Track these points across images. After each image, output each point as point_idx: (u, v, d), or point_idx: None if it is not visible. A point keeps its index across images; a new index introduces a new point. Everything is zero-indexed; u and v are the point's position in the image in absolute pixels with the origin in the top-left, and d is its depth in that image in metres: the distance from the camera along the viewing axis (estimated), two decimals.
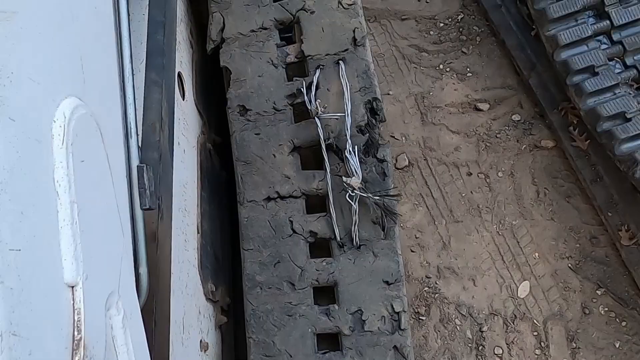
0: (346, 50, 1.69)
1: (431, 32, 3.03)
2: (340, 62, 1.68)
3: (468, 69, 2.93)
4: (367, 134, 1.66)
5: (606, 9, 2.34)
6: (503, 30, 2.88)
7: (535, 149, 2.73)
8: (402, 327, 1.56)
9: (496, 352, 2.39)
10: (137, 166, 1.11)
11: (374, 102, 1.68)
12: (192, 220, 1.64)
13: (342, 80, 1.63)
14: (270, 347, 1.60)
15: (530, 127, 2.77)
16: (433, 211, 2.65)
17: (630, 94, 2.27)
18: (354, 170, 1.55)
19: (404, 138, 2.80)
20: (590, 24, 2.37)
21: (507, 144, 2.76)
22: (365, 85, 1.67)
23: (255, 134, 1.70)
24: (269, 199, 1.68)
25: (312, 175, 1.68)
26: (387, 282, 1.61)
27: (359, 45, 1.69)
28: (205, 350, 1.62)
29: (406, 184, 2.71)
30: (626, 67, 2.36)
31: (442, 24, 3.04)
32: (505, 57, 2.93)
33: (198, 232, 1.69)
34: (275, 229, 1.66)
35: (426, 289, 2.50)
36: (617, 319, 2.41)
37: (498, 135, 2.77)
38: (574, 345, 2.40)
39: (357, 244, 1.62)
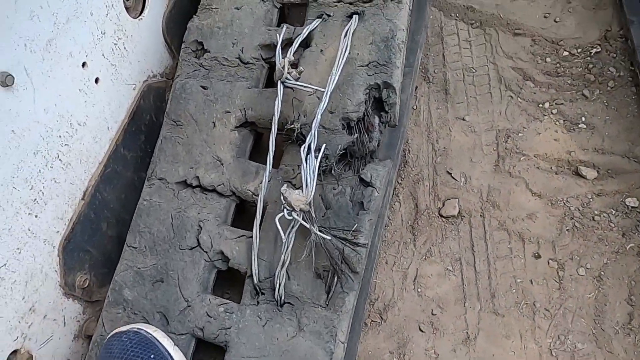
0: (370, 0, 1.05)
1: (548, 59, 2.24)
2: (355, 16, 1.04)
3: (583, 119, 2.11)
4: (356, 135, 1.00)
5: None
6: None
7: None
8: None
9: None
10: None
11: (383, 90, 1.01)
12: (73, 178, 1.10)
13: (342, 40, 0.99)
14: None
15: None
16: (469, 287, 1.88)
17: None
18: (304, 181, 0.91)
19: (463, 180, 2.05)
20: None
21: (607, 234, 1.90)
22: (380, 60, 1.01)
23: (202, 87, 1.11)
24: (184, 184, 1.09)
25: (254, 171, 1.05)
26: None
27: (392, 0, 1.04)
28: None
29: (445, 239, 1.96)
30: None
31: (566, 53, 2.24)
32: None
33: (83, 199, 1.15)
34: (175, 231, 1.06)
35: None
36: None
37: (597, 218, 1.93)
38: None
39: (279, 298, 0.97)
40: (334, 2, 1.06)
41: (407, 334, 1.82)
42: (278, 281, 0.94)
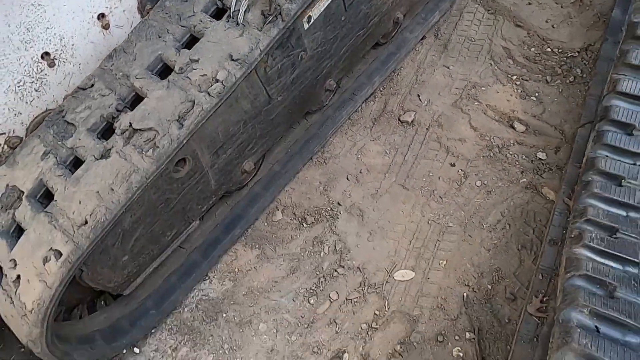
0: None
1: (532, 49, 2.78)
2: None
3: (537, 94, 2.62)
4: None
5: None
6: (595, 79, 2.50)
7: (532, 190, 2.31)
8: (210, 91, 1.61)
9: (331, 296, 2.14)
10: None
11: None
12: None
13: None
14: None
15: (544, 171, 2.36)
16: (393, 167, 2.48)
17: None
18: None
19: (426, 102, 2.66)
20: None
21: (510, 168, 2.40)
22: None
23: None
24: None
25: None
26: (231, 56, 1.66)
27: None
28: (105, 26, 1.90)
29: (393, 134, 2.57)
30: None
31: (549, 49, 2.77)
32: (581, 108, 2.54)
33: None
34: None
35: (328, 209, 2.37)
36: None
37: (508, 156, 2.43)
38: (398, 357, 2.01)
39: (239, 20, 1.70)
40: None
41: (337, 177, 2.47)
42: (242, 8, 1.68)
